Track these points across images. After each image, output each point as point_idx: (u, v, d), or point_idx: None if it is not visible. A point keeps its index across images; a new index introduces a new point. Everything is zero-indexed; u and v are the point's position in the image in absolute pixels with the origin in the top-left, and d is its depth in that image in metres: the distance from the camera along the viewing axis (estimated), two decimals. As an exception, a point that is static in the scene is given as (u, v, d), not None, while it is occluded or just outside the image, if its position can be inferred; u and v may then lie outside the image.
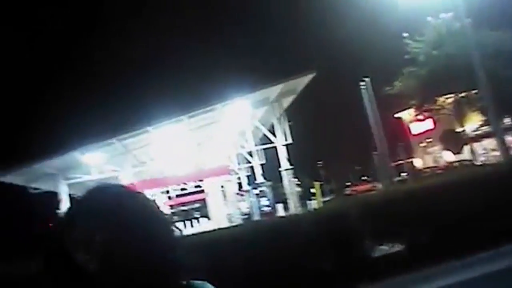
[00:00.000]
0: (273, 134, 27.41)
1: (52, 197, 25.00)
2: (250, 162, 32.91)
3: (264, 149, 30.95)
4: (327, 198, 35.06)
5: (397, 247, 6.44)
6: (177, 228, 1.00)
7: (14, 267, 5.06)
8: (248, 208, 30.53)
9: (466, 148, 31.27)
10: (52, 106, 39.82)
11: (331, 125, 45.90)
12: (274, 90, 25.67)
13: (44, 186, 25.46)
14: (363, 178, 49.51)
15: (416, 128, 41.99)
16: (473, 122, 32.00)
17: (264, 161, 32.72)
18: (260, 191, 29.04)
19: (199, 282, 1.01)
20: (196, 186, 34.41)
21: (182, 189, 35.63)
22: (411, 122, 41.94)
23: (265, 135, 28.40)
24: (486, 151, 33.69)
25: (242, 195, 32.98)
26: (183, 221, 27.98)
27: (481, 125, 31.47)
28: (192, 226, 27.26)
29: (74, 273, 0.86)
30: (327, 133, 45.63)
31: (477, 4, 19.94)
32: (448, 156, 33.30)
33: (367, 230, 6.53)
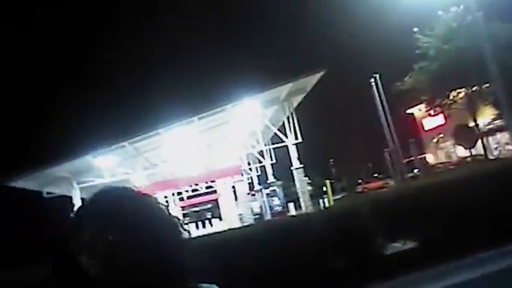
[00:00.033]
0: (284, 133, 27.37)
1: (65, 201, 25.24)
2: (261, 162, 32.93)
3: (274, 148, 30.93)
4: (338, 196, 34.86)
5: (410, 245, 6.38)
6: (185, 230, 0.99)
7: (24, 271, 5.11)
8: (259, 208, 30.56)
9: (479, 143, 30.87)
10: (64, 111, 40.34)
11: (341, 122, 45.79)
12: (284, 89, 25.61)
13: (57, 190, 25.72)
14: (374, 175, 49.15)
15: (428, 123, 41.52)
16: (485, 116, 31.57)
17: (275, 161, 32.72)
18: (272, 190, 29.05)
19: (207, 285, 0.99)
20: (208, 187, 34.59)
21: (194, 190, 35.84)
22: (422, 117, 41.52)
23: (275, 134, 28.37)
24: (499, 145, 33.27)
25: (253, 195, 33.02)
26: (195, 222, 28.16)
27: (494, 119, 31.05)
28: (204, 226, 27.40)
29: (81, 277, 0.86)
30: (337, 131, 45.49)
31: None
32: (461, 151, 32.89)
33: (379, 228, 6.49)
